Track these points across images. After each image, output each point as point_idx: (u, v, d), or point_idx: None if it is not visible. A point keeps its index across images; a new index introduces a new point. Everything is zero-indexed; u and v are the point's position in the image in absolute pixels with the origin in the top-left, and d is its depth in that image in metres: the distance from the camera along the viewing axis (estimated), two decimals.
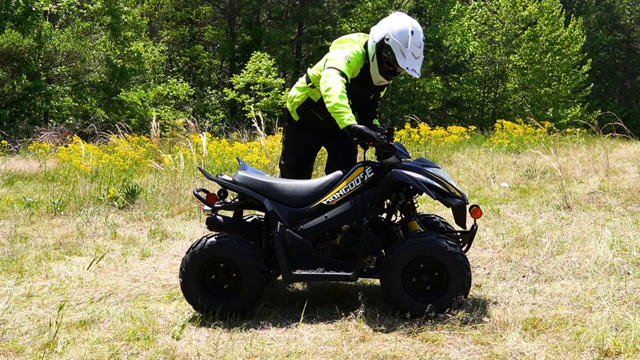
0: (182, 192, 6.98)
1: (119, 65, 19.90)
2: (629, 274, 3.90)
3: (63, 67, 18.19)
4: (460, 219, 3.49)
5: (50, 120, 18.27)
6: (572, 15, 26.12)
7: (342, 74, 3.55)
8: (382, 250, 3.62)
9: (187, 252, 3.50)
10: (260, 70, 17.49)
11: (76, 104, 18.90)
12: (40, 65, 17.47)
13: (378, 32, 3.66)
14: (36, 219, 6.33)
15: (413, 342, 3.07)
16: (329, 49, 3.93)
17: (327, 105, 3.48)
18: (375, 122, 4.05)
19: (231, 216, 3.81)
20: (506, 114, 22.05)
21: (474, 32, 25.65)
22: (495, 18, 24.51)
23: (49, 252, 5.07)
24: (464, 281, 3.29)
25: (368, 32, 3.81)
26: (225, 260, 3.46)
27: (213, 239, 3.47)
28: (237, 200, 3.76)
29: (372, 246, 3.55)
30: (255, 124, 8.68)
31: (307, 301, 3.52)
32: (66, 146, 10.76)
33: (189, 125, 10.95)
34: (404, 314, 3.30)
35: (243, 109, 16.77)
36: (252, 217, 4.00)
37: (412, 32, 3.57)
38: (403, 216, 3.69)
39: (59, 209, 6.58)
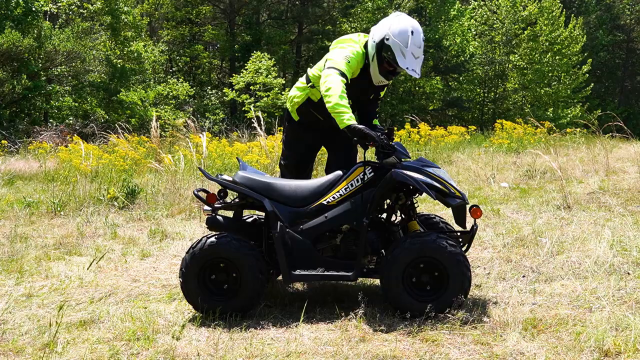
0: (182, 192, 6.98)
1: (119, 65, 19.90)
2: (629, 274, 3.90)
3: (63, 67, 18.19)
4: (460, 219, 3.49)
5: (50, 120, 18.26)
6: (572, 15, 26.10)
7: (342, 74, 3.55)
8: (382, 250, 3.62)
9: (187, 252, 3.50)
10: (260, 70, 17.48)
11: (76, 104, 18.90)
12: (40, 65, 17.46)
13: (378, 32, 3.66)
14: (36, 219, 6.33)
15: (413, 342, 3.07)
16: (329, 49, 3.93)
17: (327, 105, 3.48)
18: (375, 122, 4.05)
19: (231, 216, 3.81)
20: (506, 114, 22.04)
21: (474, 32, 25.64)
22: (495, 18, 24.49)
23: (49, 252, 5.07)
24: (464, 281, 3.29)
25: (368, 32, 3.81)
26: (225, 260, 3.46)
27: (213, 239, 3.47)
28: (237, 200, 3.76)
29: (372, 246, 3.55)
30: (255, 124, 8.69)
31: (307, 301, 3.52)
32: (66, 146, 10.76)
33: (189, 125, 10.95)
34: (404, 314, 3.30)
35: (243, 109, 16.77)
36: (252, 217, 4.00)
37: (412, 32, 3.57)
38: (403, 216, 3.69)
39: (59, 209, 6.59)
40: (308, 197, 3.59)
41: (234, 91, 18.40)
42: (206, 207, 3.69)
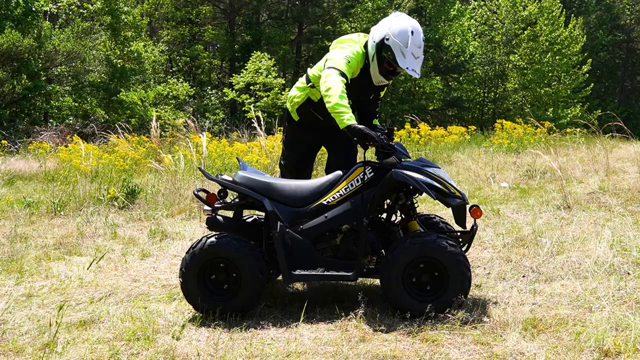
0: (182, 192, 6.98)
1: (119, 65, 19.90)
2: (629, 274, 3.90)
3: (63, 67, 18.19)
4: (460, 219, 3.49)
5: (50, 120, 18.26)
6: (572, 15, 26.10)
7: (342, 74, 3.56)
8: (382, 250, 3.62)
9: (187, 252, 3.50)
10: (260, 70, 17.48)
11: (76, 104, 18.90)
12: (40, 65, 17.46)
13: (378, 32, 3.66)
14: (36, 219, 6.33)
15: (413, 342, 3.07)
16: (329, 49, 3.93)
17: (327, 105, 3.48)
18: (375, 122, 4.05)
19: (231, 216, 3.81)
20: (506, 114, 22.04)
21: (474, 32, 25.64)
22: (495, 18, 24.49)
23: (49, 252, 5.07)
24: (464, 281, 3.29)
25: (368, 32, 3.81)
26: (225, 260, 3.46)
27: (213, 239, 3.47)
28: (237, 200, 3.76)
29: (372, 246, 3.55)
30: (255, 124, 8.69)
31: (307, 301, 3.52)
32: (66, 146, 10.76)
33: (189, 125, 10.95)
34: (404, 314, 3.30)
35: (243, 109, 16.77)
36: (252, 217, 4.00)
37: (412, 32, 3.57)
38: (403, 216, 3.69)
39: (59, 209, 6.59)
40: (308, 197, 3.59)
41: (234, 91, 18.40)
42: (206, 207, 3.69)
